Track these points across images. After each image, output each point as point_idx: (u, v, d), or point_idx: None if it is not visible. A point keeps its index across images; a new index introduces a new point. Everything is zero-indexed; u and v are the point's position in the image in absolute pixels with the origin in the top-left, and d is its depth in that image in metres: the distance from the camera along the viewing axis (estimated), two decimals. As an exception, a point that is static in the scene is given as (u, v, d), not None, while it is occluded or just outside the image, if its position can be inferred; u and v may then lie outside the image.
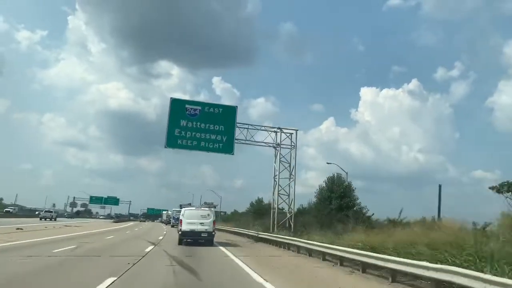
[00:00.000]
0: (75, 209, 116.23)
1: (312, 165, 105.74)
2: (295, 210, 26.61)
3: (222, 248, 18.86)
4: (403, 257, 9.17)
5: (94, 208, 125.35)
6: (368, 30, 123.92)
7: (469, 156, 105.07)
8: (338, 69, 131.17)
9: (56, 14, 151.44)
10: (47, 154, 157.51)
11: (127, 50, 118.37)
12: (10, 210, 70.01)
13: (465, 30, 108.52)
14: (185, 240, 19.01)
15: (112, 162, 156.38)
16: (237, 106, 27.21)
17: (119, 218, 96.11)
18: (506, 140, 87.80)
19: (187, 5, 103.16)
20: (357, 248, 12.26)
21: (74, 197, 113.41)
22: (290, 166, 27.60)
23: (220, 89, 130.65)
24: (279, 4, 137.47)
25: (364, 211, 20.56)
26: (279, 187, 26.97)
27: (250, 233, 28.21)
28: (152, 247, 17.74)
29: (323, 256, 14.33)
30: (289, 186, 27.40)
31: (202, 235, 18.82)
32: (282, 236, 19.97)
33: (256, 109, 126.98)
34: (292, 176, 27.14)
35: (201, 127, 26.04)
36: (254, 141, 27.65)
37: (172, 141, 25.68)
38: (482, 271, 6.68)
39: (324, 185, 24.21)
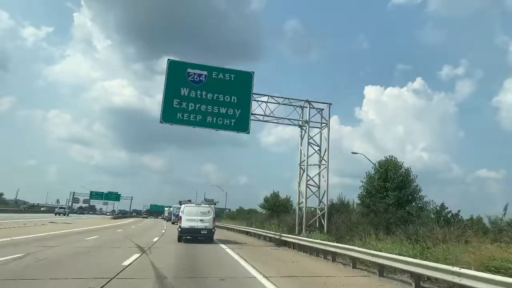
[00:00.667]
0: (77, 205, 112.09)
1: (316, 162, 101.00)
2: (328, 204, 20.60)
3: (237, 257, 13.08)
4: None
5: (98, 204, 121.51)
6: (373, 27, 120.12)
7: (474, 155, 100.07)
8: (342, 67, 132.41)
9: (62, 10, 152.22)
10: (51, 150, 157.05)
11: (132, 46, 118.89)
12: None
13: (471, 28, 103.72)
14: (184, 237, 18.34)
15: (116, 159, 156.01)
16: (253, 72, 21.22)
17: (120, 215, 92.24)
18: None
19: (192, 1, 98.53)
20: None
21: (73, 192, 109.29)
22: (320, 150, 21.65)
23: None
24: (284, 1, 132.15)
25: (434, 206, 14.57)
26: (308, 177, 21.01)
27: (268, 235, 22.26)
28: (137, 256, 12.00)
29: (416, 280, 8.40)
30: (319, 175, 21.46)
31: (202, 232, 18.21)
32: (325, 242, 13.97)
33: (259, 110, 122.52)
34: (324, 162, 21.15)
35: (207, 97, 20.16)
36: (275, 117, 21.68)
37: (169, 115, 19.81)
38: None
39: (372, 172, 18.12)
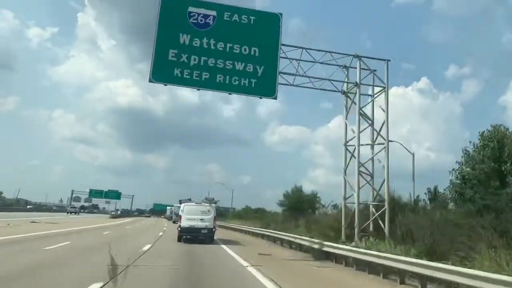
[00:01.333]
0: (78, 204, 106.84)
1: (320, 162, 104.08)
2: (388, 199, 14.39)
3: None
4: None
5: (101, 203, 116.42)
6: (376, 26, 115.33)
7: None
8: None
9: (66, 10, 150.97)
10: (54, 150, 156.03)
11: (136, 46, 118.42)
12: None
13: (478, 27, 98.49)
14: (184, 236, 17.76)
15: (120, 159, 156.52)
16: (281, 14, 15.12)
17: (120, 214, 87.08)
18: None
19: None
20: None
21: (73, 191, 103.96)
22: (373, 124, 15.58)
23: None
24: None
25: None
26: (359, 163, 14.85)
27: (301, 242, 16.14)
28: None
29: None
30: (372, 161, 15.37)
31: (202, 231, 17.69)
32: (435, 265, 7.78)
33: (263, 107, 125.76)
34: (381, 140, 15.04)
35: (217, 48, 14.17)
36: (310, 78, 15.51)
37: (162, 71, 13.82)
38: None
39: (472, 148, 11.91)
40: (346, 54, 15.62)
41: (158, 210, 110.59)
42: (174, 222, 40.94)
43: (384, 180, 14.47)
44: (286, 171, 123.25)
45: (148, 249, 14.30)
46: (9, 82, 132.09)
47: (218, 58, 14.08)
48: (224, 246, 16.97)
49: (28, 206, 79.67)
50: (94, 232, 23.09)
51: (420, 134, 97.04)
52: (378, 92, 15.36)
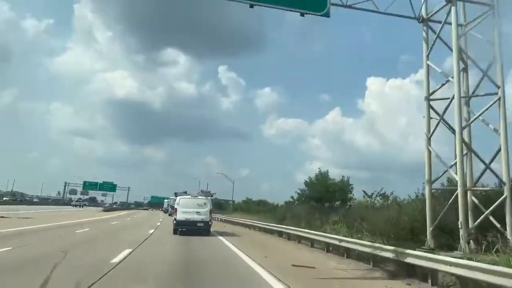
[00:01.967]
0: (75, 197, 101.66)
1: (317, 154, 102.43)
2: (510, 183, 8.92)
3: None
4: None
5: (98, 196, 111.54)
6: (375, 18, 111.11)
7: (479, 148, 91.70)
8: (345, 58, 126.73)
9: (62, 1, 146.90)
10: (51, 142, 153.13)
11: (133, 37, 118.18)
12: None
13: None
14: (180, 229, 17.27)
15: (117, 151, 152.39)
16: None
17: (115, 207, 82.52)
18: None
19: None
20: None
21: (66, 183, 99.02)
22: (467, 67, 10.03)
23: (225, 78, 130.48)
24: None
25: None
26: (460, 124, 9.37)
27: (354, 246, 10.73)
28: None
29: None
30: (469, 126, 9.89)
31: (198, 224, 17.40)
32: None
33: (261, 99, 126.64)
34: (493, 92, 9.55)
35: None
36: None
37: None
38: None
39: None
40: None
41: (156, 203, 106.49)
42: (170, 215, 38.05)
43: (500, 151, 8.99)
44: (285, 164, 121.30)
45: (129, 254, 9.01)
46: (5, 74, 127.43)
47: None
48: (235, 250, 11.69)
49: (34, 200, 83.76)
50: (65, 230, 17.56)
51: (418, 125, 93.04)
52: (480, 16, 9.78)
